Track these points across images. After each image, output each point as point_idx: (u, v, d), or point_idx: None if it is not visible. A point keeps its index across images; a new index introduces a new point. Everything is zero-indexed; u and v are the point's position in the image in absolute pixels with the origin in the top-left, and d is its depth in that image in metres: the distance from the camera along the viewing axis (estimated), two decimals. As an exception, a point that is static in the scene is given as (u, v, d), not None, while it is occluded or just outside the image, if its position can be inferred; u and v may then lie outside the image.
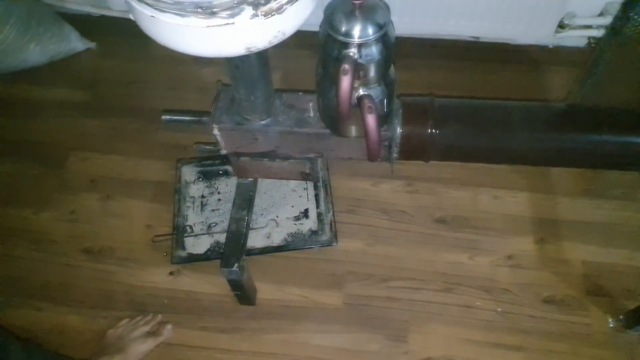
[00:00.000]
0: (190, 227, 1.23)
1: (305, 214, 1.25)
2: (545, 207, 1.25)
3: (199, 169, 1.33)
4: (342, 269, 1.18)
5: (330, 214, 1.24)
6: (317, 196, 1.27)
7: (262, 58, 0.80)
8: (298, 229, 1.23)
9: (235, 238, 0.99)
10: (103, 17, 1.61)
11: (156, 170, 1.33)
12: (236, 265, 0.96)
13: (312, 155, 0.96)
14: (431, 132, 0.87)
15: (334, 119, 0.85)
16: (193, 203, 1.28)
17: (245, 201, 1.04)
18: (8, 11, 1.39)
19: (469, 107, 0.91)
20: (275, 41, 0.64)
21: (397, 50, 0.77)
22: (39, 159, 1.36)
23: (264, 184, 1.28)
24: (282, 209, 1.26)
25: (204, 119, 0.95)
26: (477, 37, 1.52)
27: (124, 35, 1.54)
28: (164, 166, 1.34)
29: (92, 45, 1.58)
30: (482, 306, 1.12)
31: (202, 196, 1.29)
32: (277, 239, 1.21)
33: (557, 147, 0.87)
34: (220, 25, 0.59)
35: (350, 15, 0.72)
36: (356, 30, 0.72)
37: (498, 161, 0.96)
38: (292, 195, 1.28)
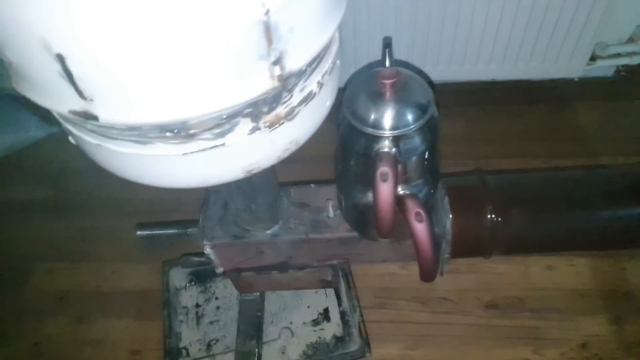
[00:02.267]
0: (186, 349, 0.99)
1: (326, 315, 1.02)
2: (610, 276, 1.03)
3: (189, 270, 1.10)
4: (381, 385, 0.94)
5: (357, 313, 1.01)
6: (337, 290, 1.05)
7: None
8: (319, 337, 0.99)
9: (246, 380, 0.76)
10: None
11: (138, 277, 1.10)
12: (251, 421, 0.72)
13: (334, 262, 0.74)
14: (492, 221, 0.65)
15: (364, 221, 0.64)
16: (187, 315, 1.04)
17: (252, 326, 0.81)
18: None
19: (532, 184, 0.70)
20: (286, 155, 0.43)
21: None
22: (-4, 277, 1.12)
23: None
24: (297, 311, 1.03)
25: (190, 230, 0.74)
26: (494, 79, 1.33)
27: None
28: (147, 270, 1.11)
29: (54, 130, 1.37)
30: (563, 417, 0.89)
31: (197, 305, 1.05)
32: (294, 354, 0.98)
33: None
34: (204, 149, 0.37)
35: (379, 99, 0.51)
36: (390, 120, 0.51)
37: (580, 247, 0.74)
38: (306, 292, 1.05)
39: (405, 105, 0.51)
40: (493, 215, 0.65)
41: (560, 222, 0.66)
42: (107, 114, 0.32)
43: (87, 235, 1.18)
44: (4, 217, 1.23)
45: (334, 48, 0.43)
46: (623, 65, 1.28)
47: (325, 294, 1.05)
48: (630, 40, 1.21)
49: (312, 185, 0.73)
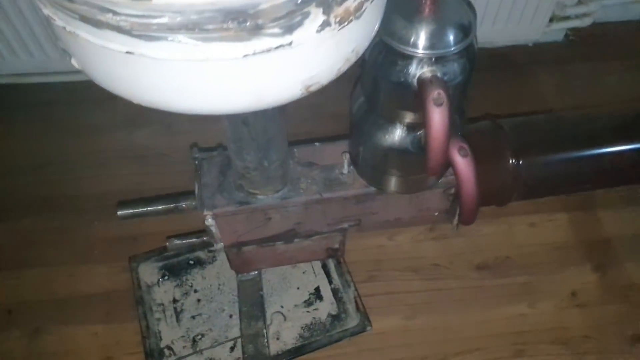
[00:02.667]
0: (169, 348, 0.89)
1: (318, 294, 0.96)
2: (588, 226, 1.06)
3: (160, 264, 1.00)
4: (386, 358, 0.89)
5: (352, 288, 0.96)
6: (325, 267, 0.99)
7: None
8: (314, 318, 0.93)
9: (259, 364, 0.68)
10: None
11: (101, 278, 0.98)
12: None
13: (345, 225, 0.69)
14: (514, 165, 0.63)
15: (384, 171, 0.59)
16: (164, 313, 0.94)
17: (255, 306, 0.73)
18: None
19: (546, 125, 0.68)
20: (346, 67, 0.37)
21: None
22: None
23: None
24: (286, 294, 0.96)
25: (184, 204, 0.65)
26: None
27: (21, 105, 1.18)
28: (110, 270, 0.99)
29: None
30: (567, 365, 0.89)
31: (174, 300, 0.95)
32: (289, 339, 0.91)
33: None
34: (268, 50, 0.30)
35: (418, 16, 0.46)
36: (431, 39, 0.46)
37: (598, 186, 0.74)
38: (293, 272, 0.99)
39: (447, 24, 0.47)
40: (514, 159, 0.62)
41: (580, 160, 0.65)
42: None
43: (33, 239, 1.03)
44: None
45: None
46: (572, 29, 1.33)
47: (314, 272, 0.99)
48: (579, 2, 1.26)
49: (317, 143, 0.67)
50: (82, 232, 1.04)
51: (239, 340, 0.89)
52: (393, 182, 0.60)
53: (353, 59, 0.38)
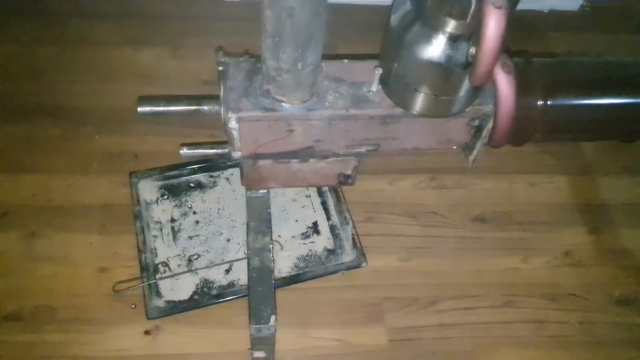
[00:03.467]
0: (165, 264, 0.89)
1: (315, 228, 0.96)
2: (587, 191, 1.08)
3: (160, 183, 0.99)
4: (378, 295, 0.91)
5: (350, 225, 0.96)
6: (324, 204, 0.99)
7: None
8: (310, 250, 0.94)
9: (263, 277, 0.69)
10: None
11: (99, 190, 0.97)
12: (273, 318, 0.65)
13: (363, 150, 0.68)
14: (541, 102, 0.63)
15: (416, 89, 0.58)
16: (161, 230, 0.93)
17: (264, 222, 0.73)
18: None
19: (578, 68, 0.68)
20: None
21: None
22: None
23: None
24: (285, 225, 0.96)
25: (206, 107, 0.64)
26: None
27: (31, 12, 1.14)
28: (109, 183, 0.98)
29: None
30: (553, 318, 0.91)
31: (172, 219, 0.95)
32: (285, 267, 0.91)
33: None
34: None
35: None
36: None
37: (616, 135, 0.74)
38: (293, 206, 0.99)
39: None
40: (541, 97, 0.62)
41: (605, 107, 0.65)
42: None
43: (32, 145, 1.01)
44: None
45: None
46: (587, 0, 1.33)
47: (313, 208, 0.99)
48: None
49: (345, 60, 0.66)
50: (83, 144, 1.03)
51: (235, 263, 0.90)
52: (423, 102, 0.59)
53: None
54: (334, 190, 1.00)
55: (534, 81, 0.63)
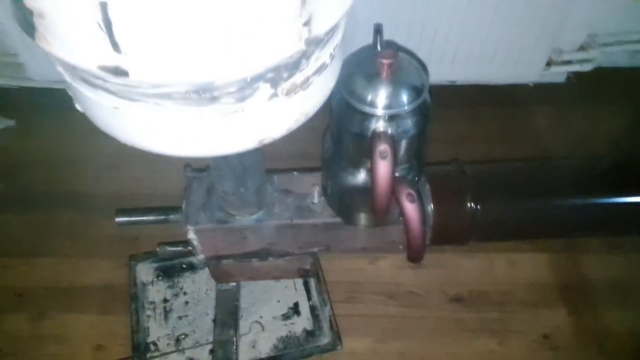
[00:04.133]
0: (154, 344, 0.97)
1: (296, 309, 1.02)
2: (567, 269, 1.09)
3: (156, 265, 1.08)
4: (353, 377, 0.95)
5: (328, 307, 1.01)
6: (306, 284, 1.05)
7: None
8: (289, 331, 0.99)
9: (225, 369, 0.75)
10: (23, 89, 1.34)
11: (102, 272, 1.07)
12: (231, 409, 0.71)
13: (315, 250, 0.75)
14: (472, 209, 0.68)
15: (349, 207, 0.65)
16: (154, 310, 1.02)
17: (229, 315, 0.80)
18: None
19: (507, 173, 0.74)
20: (296, 126, 0.44)
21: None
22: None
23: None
24: (267, 306, 1.02)
25: (172, 217, 0.73)
26: (454, 81, 1.39)
27: (49, 108, 1.28)
28: (111, 265, 1.07)
29: (10, 123, 1.31)
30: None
31: (165, 300, 1.03)
32: (264, 348, 0.97)
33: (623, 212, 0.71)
34: (224, 114, 0.37)
35: (376, 79, 0.53)
36: (386, 99, 0.53)
37: (552, 235, 0.79)
38: (276, 287, 1.05)
39: (401, 86, 0.53)
40: (472, 203, 0.67)
41: (535, 209, 0.70)
42: (137, 70, 0.32)
43: (43, 231, 1.13)
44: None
45: (343, 23, 0.45)
46: (573, 72, 1.36)
47: (295, 288, 1.05)
48: (582, 48, 1.29)
49: (295, 172, 0.74)
50: (90, 229, 1.13)
51: (218, 344, 0.96)
52: (357, 216, 0.66)
53: (302, 120, 0.44)
54: (315, 270, 1.06)
55: (465, 189, 0.69)
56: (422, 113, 0.56)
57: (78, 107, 0.43)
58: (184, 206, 0.70)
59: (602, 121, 1.34)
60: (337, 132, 0.58)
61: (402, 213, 0.56)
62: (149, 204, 0.99)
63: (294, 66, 0.38)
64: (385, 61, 0.51)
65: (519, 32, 1.17)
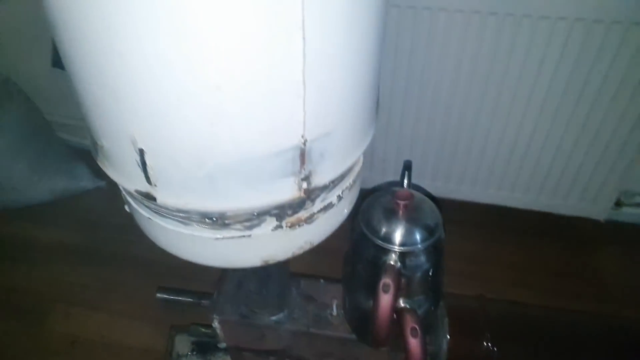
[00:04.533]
0: (175, 417, 1.01)
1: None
2: None
3: (194, 339, 1.14)
4: None
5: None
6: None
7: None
8: None
9: None
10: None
11: (146, 336, 1.15)
12: None
13: None
14: (488, 349, 0.69)
15: (364, 326, 0.68)
16: (182, 383, 1.07)
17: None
18: (24, 148, 1.32)
19: (533, 319, 0.74)
20: (300, 252, 0.50)
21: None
22: (18, 312, 1.19)
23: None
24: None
25: (204, 302, 0.79)
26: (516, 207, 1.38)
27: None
28: (155, 331, 1.15)
29: (102, 184, 1.49)
30: None
31: (194, 375, 1.08)
32: None
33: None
34: (233, 237, 0.45)
35: (392, 216, 0.58)
36: (400, 236, 0.57)
37: None
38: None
39: (414, 226, 0.57)
40: (489, 344, 0.68)
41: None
42: (164, 197, 0.40)
43: (110, 287, 1.24)
44: (34, 256, 1.32)
45: (357, 169, 0.51)
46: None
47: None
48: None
49: (322, 280, 0.78)
50: (147, 293, 1.23)
51: None
52: (370, 337, 0.69)
53: (307, 247, 0.50)
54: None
55: (483, 328, 0.70)
56: (436, 250, 0.59)
57: (126, 208, 0.52)
58: (215, 295, 0.76)
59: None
60: (355, 256, 0.63)
61: (404, 346, 0.59)
62: (199, 281, 1.08)
63: (298, 206, 0.45)
64: (401, 202, 0.57)
65: (586, 166, 1.17)
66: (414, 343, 0.59)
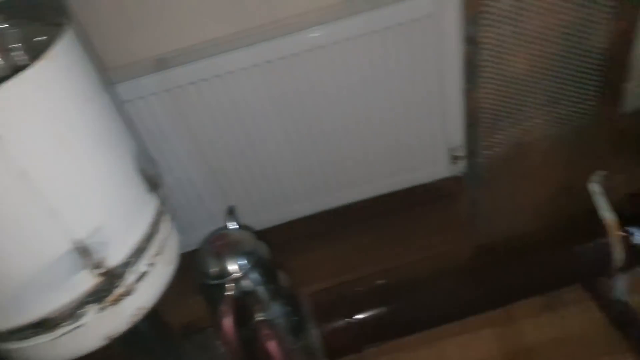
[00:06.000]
0: None
1: None
2: (512, 338, 1.17)
3: None
4: None
5: None
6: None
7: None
8: None
9: None
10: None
11: None
12: None
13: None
14: (348, 321, 0.83)
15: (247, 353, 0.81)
16: None
17: None
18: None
19: (376, 283, 0.89)
20: (137, 318, 0.62)
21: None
22: None
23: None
24: None
25: None
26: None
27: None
28: None
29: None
30: None
31: None
32: None
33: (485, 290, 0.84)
34: (68, 332, 0.56)
35: (216, 257, 0.71)
36: (224, 270, 0.71)
37: (434, 324, 0.91)
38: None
39: (234, 257, 0.71)
40: (348, 318, 0.82)
41: (410, 308, 0.84)
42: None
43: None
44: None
45: (160, 236, 0.64)
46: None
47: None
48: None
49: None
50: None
51: None
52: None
53: (143, 313, 0.61)
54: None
55: (340, 305, 0.84)
56: (263, 267, 0.73)
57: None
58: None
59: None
60: (208, 302, 0.76)
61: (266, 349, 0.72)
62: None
63: (108, 287, 0.56)
64: (216, 243, 0.70)
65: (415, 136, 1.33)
66: (272, 345, 0.72)
